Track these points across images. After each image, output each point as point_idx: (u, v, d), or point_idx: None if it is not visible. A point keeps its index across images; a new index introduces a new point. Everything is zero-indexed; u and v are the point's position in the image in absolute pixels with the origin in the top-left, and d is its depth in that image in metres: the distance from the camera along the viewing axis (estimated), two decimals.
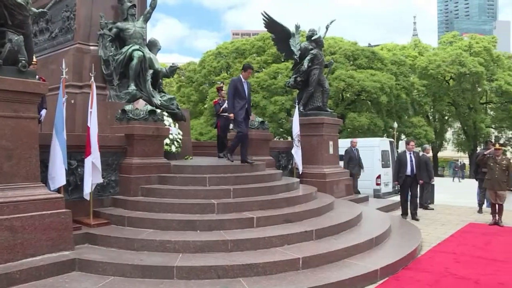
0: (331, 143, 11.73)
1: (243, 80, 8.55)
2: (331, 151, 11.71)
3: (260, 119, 10.64)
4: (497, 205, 10.06)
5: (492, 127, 50.36)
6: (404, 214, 10.78)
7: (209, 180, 7.28)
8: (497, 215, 10.05)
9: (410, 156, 10.61)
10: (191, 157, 9.87)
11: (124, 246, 5.65)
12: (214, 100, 12.54)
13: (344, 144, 15.29)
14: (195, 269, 5.08)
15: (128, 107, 7.50)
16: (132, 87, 8.89)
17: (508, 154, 46.99)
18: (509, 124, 48.33)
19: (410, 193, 10.86)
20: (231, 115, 8.46)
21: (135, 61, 8.90)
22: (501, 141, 51.47)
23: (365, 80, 36.38)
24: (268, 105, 37.45)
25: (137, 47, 9.08)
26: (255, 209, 6.77)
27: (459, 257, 7.01)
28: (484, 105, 49.79)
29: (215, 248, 5.62)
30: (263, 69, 41.47)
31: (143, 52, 9.12)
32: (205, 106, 42.84)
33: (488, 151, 10.63)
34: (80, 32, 9.15)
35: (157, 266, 5.11)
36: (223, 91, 12.23)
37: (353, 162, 13.08)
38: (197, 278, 5.03)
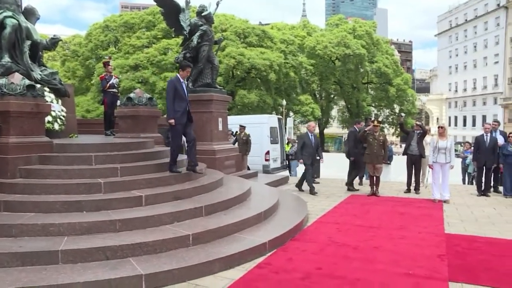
0: (220, 119, 11.82)
1: (181, 79, 7.69)
2: (220, 127, 11.81)
3: (149, 96, 10.37)
4: (374, 177, 10.89)
5: (372, 106, 54.13)
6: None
7: (95, 159, 6.98)
8: (374, 186, 10.89)
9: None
10: (76, 135, 9.39)
11: (0, 233, 5.21)
12: (100, 76, 11.98)
13: (233, 121, 15.41)
14: (81, 252, 4.86)
15: (1, 81, 6.87)
16: (6, 59, 8.14)
17: (386, 131, 50.96)
18: (386, 103, 52.39)
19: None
20: (172, 121, 7.42)
21: (8, 29, 8.11)
22: (380, 119, 55.44)
23: (255, 58, 37.03)
24: (158, 81, 36.72)
25: (9, 13, 8.26)
26: (143, 187, 6.65)
27: (342, 226, 7.52)
28: (366, 85, 53.28)
29: (103, 229, 5.42)
30: (153, 45, 40.38)
31: (18, 20, 8.36)
32: (92, 82, 40.85)
33: (368, 127, 11.39)
34: None
35: (40, 251, 4.78)
36: (110, 66, 11.73)
37: (307, 149, 11.26)
38: (84, 261, 4.83)
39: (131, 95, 10.13)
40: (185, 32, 11.79)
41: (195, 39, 11.39)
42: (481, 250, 6.18)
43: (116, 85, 11.55)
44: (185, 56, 11.72)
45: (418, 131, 11.39)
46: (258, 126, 16.07)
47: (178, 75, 7.75)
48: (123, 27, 44.11)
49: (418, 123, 11.98)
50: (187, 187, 7.12)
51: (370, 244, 6.42)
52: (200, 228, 5.81)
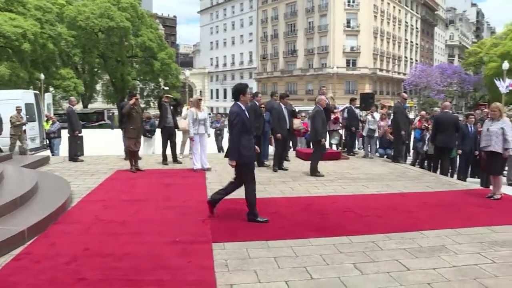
0: None
1: (243, 107, 6.16)
2: None
3: None
4: (133, 152, 10.67)
5: (137, 80, 54.13)
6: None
7: None
8: (133, 160, 10.71)
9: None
10: None
11: None
12: None
13: None
14: None
15: None
16: None
17: (151, 104, 51.74)
18: (151, 77, 53.04)
19: None
20: (234, 163, 6.34)
21: None
22: (145, 93, 56.25)
23: (4, 24, 33.16)
24: None
25: None
26: None
27: (108, 203, 7.40)
28: (130, 58, 52.87)
29: None
30: None
31: None
32: None
33: (131, 101, 11.27)
34: None
35: None
36: None
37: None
38: None
39: None
40: None
41: None
42: (243, 210, 6.66)
43: None
44: None
45: (167, 103, 11.80)
46: (11, 102, 14.55)
47: (238, 103, 6.19)
48: None
49: (168, 95, 12.49)
50: None
51: (138, 217, 6.50)
52: None
